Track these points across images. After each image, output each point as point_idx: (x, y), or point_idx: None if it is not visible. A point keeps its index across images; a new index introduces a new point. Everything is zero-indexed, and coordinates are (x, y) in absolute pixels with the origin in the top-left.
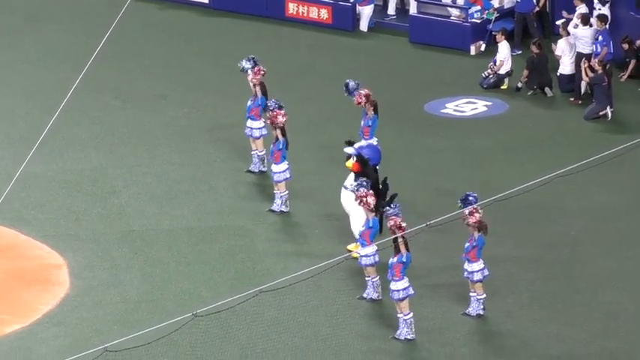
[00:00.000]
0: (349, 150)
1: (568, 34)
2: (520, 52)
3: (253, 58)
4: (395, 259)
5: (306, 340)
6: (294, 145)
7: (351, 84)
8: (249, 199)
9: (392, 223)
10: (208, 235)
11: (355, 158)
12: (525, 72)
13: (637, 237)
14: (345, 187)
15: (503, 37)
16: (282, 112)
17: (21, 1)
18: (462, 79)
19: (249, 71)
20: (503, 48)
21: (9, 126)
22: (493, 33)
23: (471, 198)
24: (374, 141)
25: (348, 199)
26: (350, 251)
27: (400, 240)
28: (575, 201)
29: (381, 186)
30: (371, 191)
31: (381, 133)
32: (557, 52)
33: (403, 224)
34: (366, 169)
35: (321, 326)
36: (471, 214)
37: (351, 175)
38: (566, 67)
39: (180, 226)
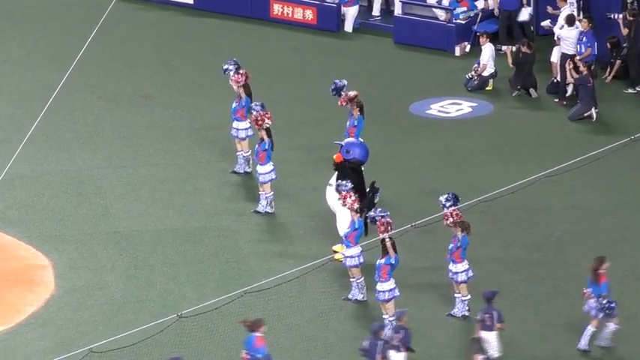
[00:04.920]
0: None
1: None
2: (505, 49)
3: (236, 62)
4: (383, 260)
5: (291, 341)
6: (278, 146)
7: (339, 84)
8: (234, 200)
9: (382, 227)
10: (193, 236)
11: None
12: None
13: (620, 237)
14: (330, 185)
15: (487, 39)
16: (268, 114)
17: (4, 1)
18: (446, 80)
19: (231, 74)
20: (487, 50)
21: None
22: (478, 34)
23: (446, 202)
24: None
25: (333, 197)
26: (335, 251)
27: (388, 242)
28: (559, 202)
29: (368, 189)
30: (351, 191)
31: (365, 133)
32: (553, 59)
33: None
34: (347, 164)
35: (306, 327)
36: (449, 216)
37: (336, 174)
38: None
39: (165, 227)
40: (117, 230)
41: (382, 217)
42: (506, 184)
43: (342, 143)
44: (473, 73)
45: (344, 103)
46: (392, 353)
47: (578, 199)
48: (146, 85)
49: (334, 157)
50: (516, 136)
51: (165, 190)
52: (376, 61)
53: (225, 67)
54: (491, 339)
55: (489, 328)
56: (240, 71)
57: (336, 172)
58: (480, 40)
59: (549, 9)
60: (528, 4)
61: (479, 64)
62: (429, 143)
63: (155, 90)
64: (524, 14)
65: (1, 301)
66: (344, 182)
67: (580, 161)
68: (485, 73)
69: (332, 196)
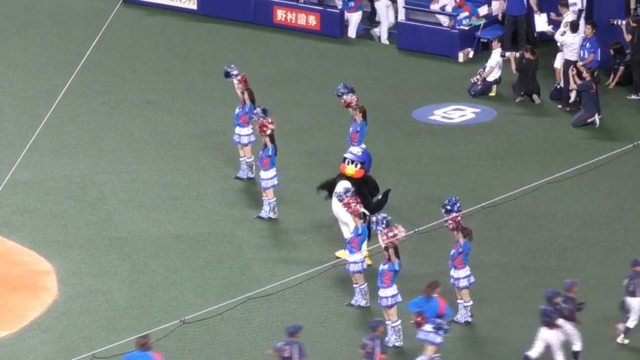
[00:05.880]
0: (350, 155)
1: None
2: (509, 55)
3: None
4: (386, 266)
5: None
6: (281, 152)
7: (341, 88)
8: (237, 205)
9: (389, 235)
10: (196, 242)
11: (360, 165)
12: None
13: (624, 244)
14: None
15: (498, 44)
16: (269, 120)
17: (8, 7)
18: (450, 85)
19: (235, 79)
20: (496, 55)
21: None
22: (482, 40)
23: (449, 207)
24: (362, 148)
25: (341, 208)
26: (338, 257)
27: (391, 248)
28: (562, 208)
29: (380, 196)
30: (357, 197)
31: (369, 139)
32: (557, 65)
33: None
34: (368, 177)
35: (309, 333)
36: (451, 222)
37: (342, 183)
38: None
39: (168, 232)
40: (120, 236)
41: (387, 224)
42: (509, 190)
43: (354, 158)
44: (478, 76)
45: (346, 106)
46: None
47: (581, 205)
48: (149, 90)
49: (353, 172)
50: (519, 142)
51: (169, 196)
52: (379, 67)
53: (228, 71)
54: (634, 305)
55: (633, 294)
56: (239, 76)
57: (342, 182)
58: (492, 43)
59: (552, 15)
60: (541, 11)
61: (484, 69)
62: (432, 149)
63: (158, 96)
64: (542, 24)
65: (4, 307)
66: (346, 188)
67: (583, 167)
68: (490, 79)
69: (340, 207)
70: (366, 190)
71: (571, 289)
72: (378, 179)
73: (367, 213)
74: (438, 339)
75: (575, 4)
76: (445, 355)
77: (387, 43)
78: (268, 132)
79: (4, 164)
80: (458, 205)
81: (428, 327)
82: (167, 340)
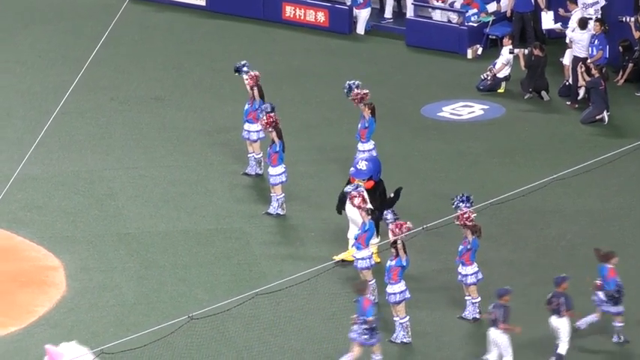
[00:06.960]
0: (355, 173)
1: None
2: (517, 52)
3: (245, 64)
4: (393, 262)
5: (302, 343)
6: (290, 148)
7: (351, 85)
8: (245, 201)
9: (395, 227)
10: (204, 238)
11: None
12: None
13: (632, 240)
14: None
15: (510, 41)
16: (273, 115)
17: (16, 3)
18: (458, 82)
19: (244, 75)
20: (507, 52)
21: (6, 127)
22: (490, 37)
23: (461, 204)
24: (371, 144)
25: (353, 209)
26: (338, 259)
27: (400, 244)
28: (571, 205)
29: (392, 194)
30: (364, 192)
31: (377, 136)
32: (565, 62)
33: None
34: (378, 188)
35: (317, 329)
36: (461, 216)
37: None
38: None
39: (176, 228)
40: (128, 232)
41: (397, 219)
42: (517, 186)
43: (359, 177)
44: (488, 73)
45: (355, 102)
46: None
47: (589, 202)
48: (158, 86)
49: (360, 183)
50: (528, 138)
51: (177, 192)
52: (388, 64)
53: (238, 66)
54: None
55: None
56: (251, 73)
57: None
58: (504, 40)
59: (560, 11)
60: (549, 9)
61: (494, 65)
62: (441, 146)
63: (167, 92)
64: (549, 21)
65: (12, 302)
66: (354, 186)
67: (592, 164)
68: (500, 75)
69: (352, 209)
70: (378, 194)
71: None
72: (386, 176)
73: (374, 209)
74: (612, 308)
75: (597, 2)
76: (453, 352)
77: (362, 34)
78: (269, 127)
79: (13, 160)
80: (470, 201)
81: (601, 294)
82: (175, 335)
